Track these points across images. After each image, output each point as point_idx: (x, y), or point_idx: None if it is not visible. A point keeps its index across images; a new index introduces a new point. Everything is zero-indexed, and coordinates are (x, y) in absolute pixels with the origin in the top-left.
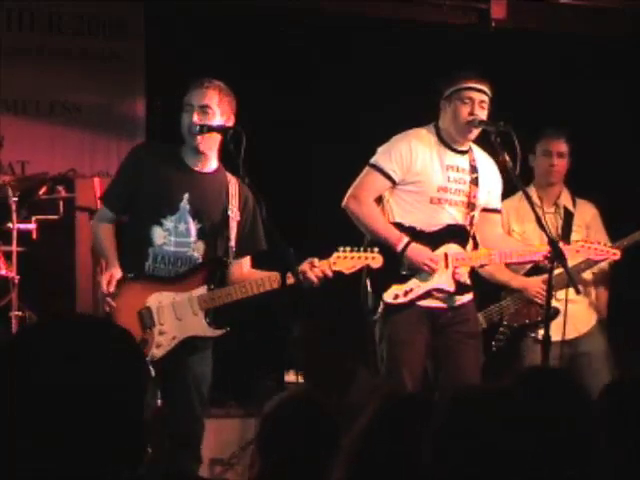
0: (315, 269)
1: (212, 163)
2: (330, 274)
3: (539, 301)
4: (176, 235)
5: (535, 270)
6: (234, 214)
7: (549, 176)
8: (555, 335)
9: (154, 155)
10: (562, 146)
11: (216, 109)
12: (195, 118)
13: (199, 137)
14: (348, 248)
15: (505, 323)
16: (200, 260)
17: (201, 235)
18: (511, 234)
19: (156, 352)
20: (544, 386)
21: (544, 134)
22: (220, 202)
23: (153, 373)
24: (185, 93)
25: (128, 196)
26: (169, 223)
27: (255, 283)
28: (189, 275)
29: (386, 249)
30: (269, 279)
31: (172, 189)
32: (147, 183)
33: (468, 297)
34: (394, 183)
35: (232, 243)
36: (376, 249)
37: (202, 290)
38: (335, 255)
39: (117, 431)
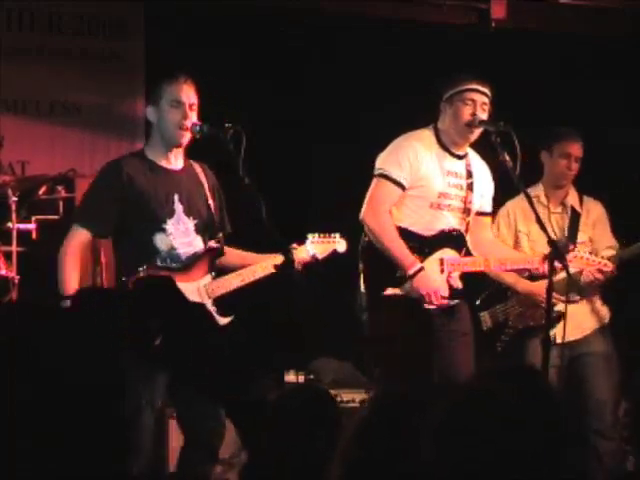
0: (296, 253)
1: (181, 158)
2: (309, 259)
3: (545, 306)
4: (179, 236)
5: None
6: (211, 202)
7: (562, 178)
8: (557, 337)
9: (128, 168)
10: (580, 150)
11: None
12: (195, 118)
13: (190, 135)
14: (316, 234)
15: (510, 324)
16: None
17: (197, 231)
18: (518, 235)
19: None
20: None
21: (563, 136)
22: (201, 194)
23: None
24: (160, 85)
25: (113, 217)
26: (170, 227)
27: (251, 271)
28: (193, 265)
29: (381, 252)
30: (261, 267)
31: (163, 194)
32: (135, 198)
33: (460, 299)
34: (404, 189)
35: (220, 233)
36: (337, 234)
37: (208, 279)
38: (309, 241)
39: (111, 431)
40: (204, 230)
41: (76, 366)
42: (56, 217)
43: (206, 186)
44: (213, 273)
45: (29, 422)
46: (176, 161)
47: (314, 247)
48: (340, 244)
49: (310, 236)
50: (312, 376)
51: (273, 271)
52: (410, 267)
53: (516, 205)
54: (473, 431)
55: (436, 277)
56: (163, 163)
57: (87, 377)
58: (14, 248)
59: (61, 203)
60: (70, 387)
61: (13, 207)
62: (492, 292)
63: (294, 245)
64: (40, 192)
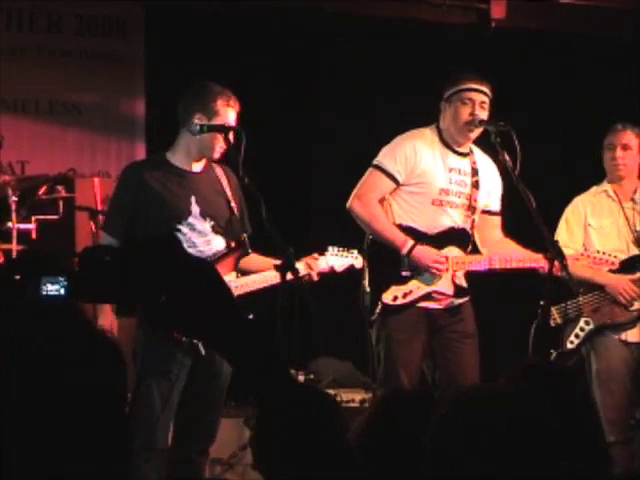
0: (317, 263)
1: (203, 163)
2: (327, 270)
3: (622, 300)
4: (195, 237)
5: (622, 269)
6: (234, 204)
7: (615, 170)
8: (630, 337)
9: (146, 172)
10: (627, 138)
11: None
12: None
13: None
14: (336, 248)
15: (585, 320)
16: (220, 253)
17: (216, 230)
18: (587, 229)
19: None
20: (538, 382)
21: (607, 130)
22: (222, 196)
23: (203, 351)
24: (215, 99)
25: (131, 221)
26: (185, 228)
27: (263, 277)
28: (217, 262)
29: (386, 250)
30: (272, 275)
31: (179, 197)
32: (152, 201)
33: (465, 298)
34: (398, 184)
35: (245, 234)
36: (355, 250)
37: (231, 277)
38: (330, 252)
39: (113, 430)
40: (224, 230)
41: (77, 364)
42: (56, 217)
43: (227, 188)
44: (238, 274)
45: (28, 421)
46: (198, 166)
47: (333, 259)
48: (358, 260)
49: (331, 248)
50: (312, 376)
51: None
52: (403, 246)
53: (585, 199)
54: (474, 433)
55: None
56: (183, 166)
57: (88, 376)
58: (14, 248)
59: (61, 203)
60: (71, 386)
61: (13, 207)
62: (556, 289)
63: (315, 255)
64: (40, 192)
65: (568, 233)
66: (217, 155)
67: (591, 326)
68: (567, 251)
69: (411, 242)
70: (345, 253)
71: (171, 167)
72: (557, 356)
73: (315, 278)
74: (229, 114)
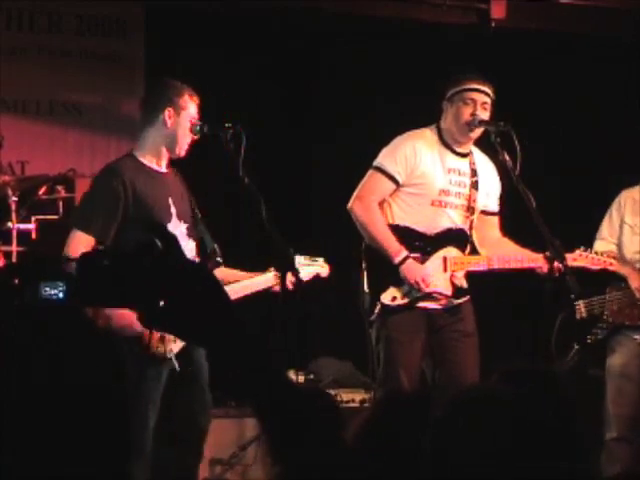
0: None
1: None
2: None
3: (637, 294)
4: None
5: None
6: (197, 211)
7: None
8: None
9: (127, 172)
10: None
11: None
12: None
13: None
14: (302, 257)
15: (605, 318)
16: (195, 259)
17: (189, 235)
18: (622, 226)
19: (174, 346)
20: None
21: None
22: (186, 199)
23: (177, 367)
24: (182, 94)
25: (115, 222)
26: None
27: (255, 282)
28: None
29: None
30: (265, 280)
31: (161, 197)
32: (137, 202)
33: (465, 297)
34: (398, 185)
35: (215, 243)
36: (321, 259)
37: None
38: (296, 263)
39: (110, 430)
40: (194, 234)
41: (76, 364)
42: (56, 217)
43: (186, 192)
44: None
45: (28, 421)
46: (164, 164)
47: (301, 269)
48: (324, 269)
49: (297, 258)
50: (312, 376)
51: (274, 283)
52: (395, 256)
53: (628, 195)
54: (473, 433)
55: (431, 271)
56: (155, 166)
57: (87, 376)
58: (14, 248)
59: (61, 203)
60: (71, 386)
61: (13, 207)
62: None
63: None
64: (40, 192)
65: (609, 227)
66: (184, 153)
67: (611, 324)
68: (601, 245)
69: (404, 253)
70: (310, 262)
71: (145, 168)
72: (579, 350)
73: (290, 286)
74: (193, 108)
